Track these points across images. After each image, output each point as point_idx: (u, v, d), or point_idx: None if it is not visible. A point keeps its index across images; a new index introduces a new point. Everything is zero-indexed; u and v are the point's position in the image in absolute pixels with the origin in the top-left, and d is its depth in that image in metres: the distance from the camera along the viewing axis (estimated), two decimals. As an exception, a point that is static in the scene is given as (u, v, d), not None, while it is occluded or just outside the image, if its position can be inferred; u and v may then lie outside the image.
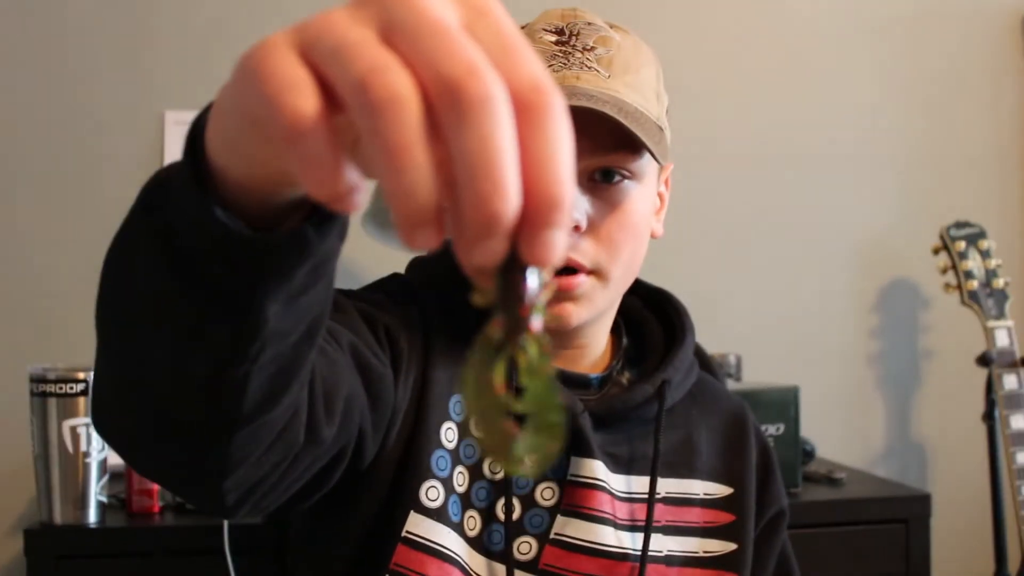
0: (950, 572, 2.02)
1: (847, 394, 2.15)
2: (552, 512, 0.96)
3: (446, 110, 0.38)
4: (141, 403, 0.62)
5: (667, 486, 1.02)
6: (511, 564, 0.94)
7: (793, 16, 2.16)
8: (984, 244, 1.89)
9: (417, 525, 0.91)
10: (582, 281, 0.94)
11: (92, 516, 1.45)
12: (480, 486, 0.95)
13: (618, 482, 0.99)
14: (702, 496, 1.03)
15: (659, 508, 1.00)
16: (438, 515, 0.92)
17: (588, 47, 0.95)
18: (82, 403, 1.42)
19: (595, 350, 1.04)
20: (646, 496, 1.00)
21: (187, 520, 1.50)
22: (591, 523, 0.96)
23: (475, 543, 0.94)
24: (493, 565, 0.94)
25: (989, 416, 1.84)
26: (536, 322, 0.40)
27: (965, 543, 2.08)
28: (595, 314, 0.98)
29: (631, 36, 0.99)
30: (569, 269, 0.94)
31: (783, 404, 1.64)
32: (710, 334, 1.98)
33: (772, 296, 2.13)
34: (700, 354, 1.13)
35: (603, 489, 0.97)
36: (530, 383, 0.41)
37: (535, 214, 0.38)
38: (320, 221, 0.52)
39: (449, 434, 0.94)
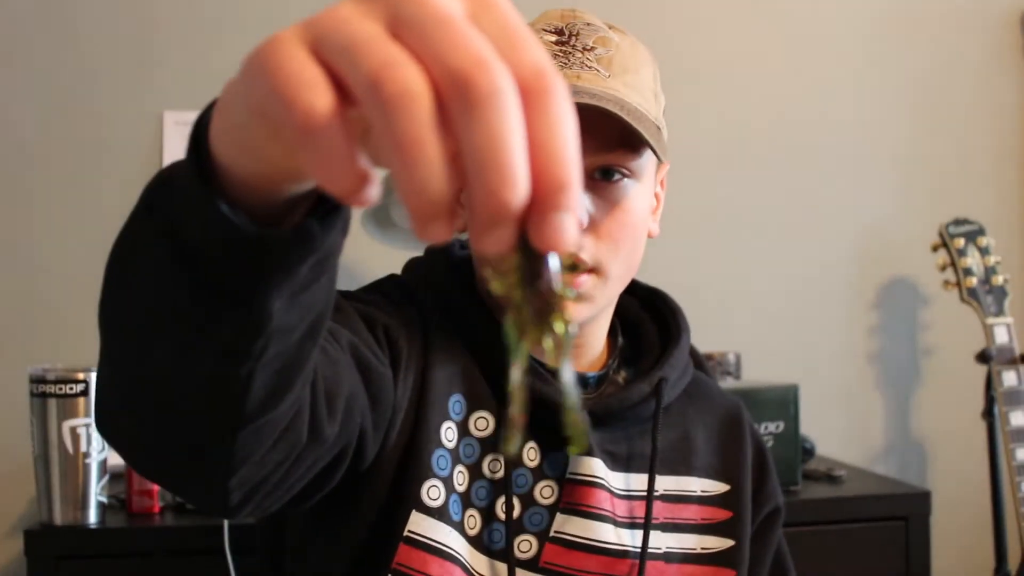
0: (950, 569, 2.02)
1: (847, 392, 2.15)
2: (551, 510, 0.96)
3: (455, 103, 0.38)
4: (145, 403, 0.62)
5: (665, 483, 1.02)
6: (512, 563, 0.94)
7: (792, 14, 2.16)
8: (983, 241, 1.89)
9: (419, 524, 0.91)
10: (583, 281, 0.95)
11: (92, 516, 1.45)
12: (480, 485, 0.95)
13: (617, 480, 1.00)
14: (699, 493, 1.04)
15: (657, 505, 1.01)
16: (439, 514, 0.92)
17: (588, 47, 0.95)
18: (82, 403, 1.42)
19: (592, 350, 1.04)
20: (644, 493, 1.00)
21: (187, 520, 1.50)
22: (591, 521, 0.97)
23: (475, 542, 0.94)
24: (494, 564, 0.94)
25: (989, 413, 1.84)
26: (562, 298, 0.41)
27: (965, 540, 2.09)
28: (595, 312, 0.99)
29: (628, 37, 1.00)
30: (572, 267, 0.94)
31: (783, 402, 1.64)
32: (710, 332, 1.99)
33: (771, 294, 2.13)
34: (694, 354, 1.14)
35: (602, 487, 0.97)
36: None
37: (544, 198, 0.39)
38: (324, 215, 0.52)
39: (449, 433, 0.94)
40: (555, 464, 0.98)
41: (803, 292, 2.14)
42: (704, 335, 1.93)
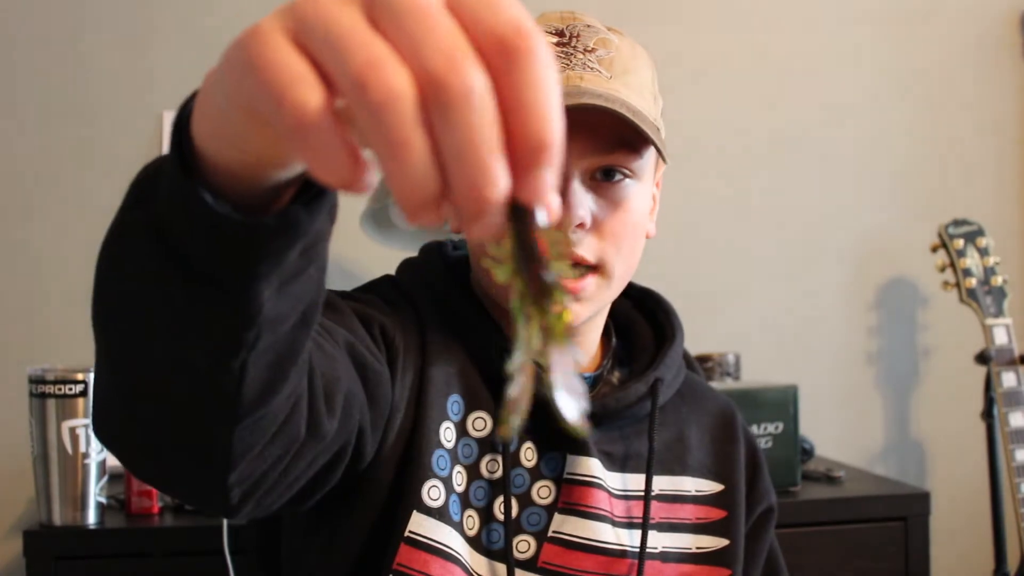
0: (949, 570, 2.02)
1: (846, 392, 2.15)
2: (549, 510, 0.97)
3: (431, 105, 0.39)
4: (142, 401, 0.62)
5: (660, 483, 1.03)
6: (511, 563, 0.94)
7: (791, 14, 2.16)
8: (982, 242, 1.89)
9: (420, 524, 0.91)
10: (588, 283, 0.95)
11: (91, 517, 1.45)
12: (478, 485, 0.96)
13: (614, 480, 1.00)
14: (694, 493, 1.04)
15: (653, 505, 1.01)
16: (440, 514, 0.92)
17: (589, 48, 0.96)
18: (81, 404, 1.42)
19: (586, 350, 1.05)
20: (641, 493, 1.00)
21: (186, 521, 1.50)
22: (589, 520, 0.97)
23: (474, 542, 0.94)
24: (494, 564, 0.95)
25: (988, 414, 1.84)
26: (559, 280, 0.42)
27: (964, 541, 2.09)
28: (595, 311, 0.99)
29: (627, 39, 1.00)
30: (574, 265, 0.95)
31: (782, 403, 1.64)
32: (709, 333, 2.00)
33: (771, 295, 2.13)
34: (685, 355, 1.14)
35: (600, 487, 0.98)
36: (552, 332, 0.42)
37: (527, 156, 0.40)
38: (309, 201, 0.52)
39: (448, 434, 0.94)
40: (552, 464, 0.98)
41: (802, 293, 2.14)
42: (703, 335, 1.93)
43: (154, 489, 1.52)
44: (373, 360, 0.87)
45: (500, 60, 0.39)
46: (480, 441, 0.96)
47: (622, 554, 0.98)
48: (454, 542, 0.92)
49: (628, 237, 0.97)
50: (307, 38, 0.41)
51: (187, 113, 0.51)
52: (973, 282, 1.87)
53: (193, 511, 1.52)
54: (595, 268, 0.96)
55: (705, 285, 2.09)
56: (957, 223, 1.91)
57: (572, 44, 0.96)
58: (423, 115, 0.39)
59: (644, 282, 1.14)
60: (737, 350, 1.93)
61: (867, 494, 1.72)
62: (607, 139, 0.94)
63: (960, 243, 1.89)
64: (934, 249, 1.93)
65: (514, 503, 0.96)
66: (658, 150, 0.95)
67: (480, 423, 0.97)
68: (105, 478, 1.47)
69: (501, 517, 0.95)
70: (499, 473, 0.96)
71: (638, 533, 0.99)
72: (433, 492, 0.92)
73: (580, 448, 0.97)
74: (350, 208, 1.71)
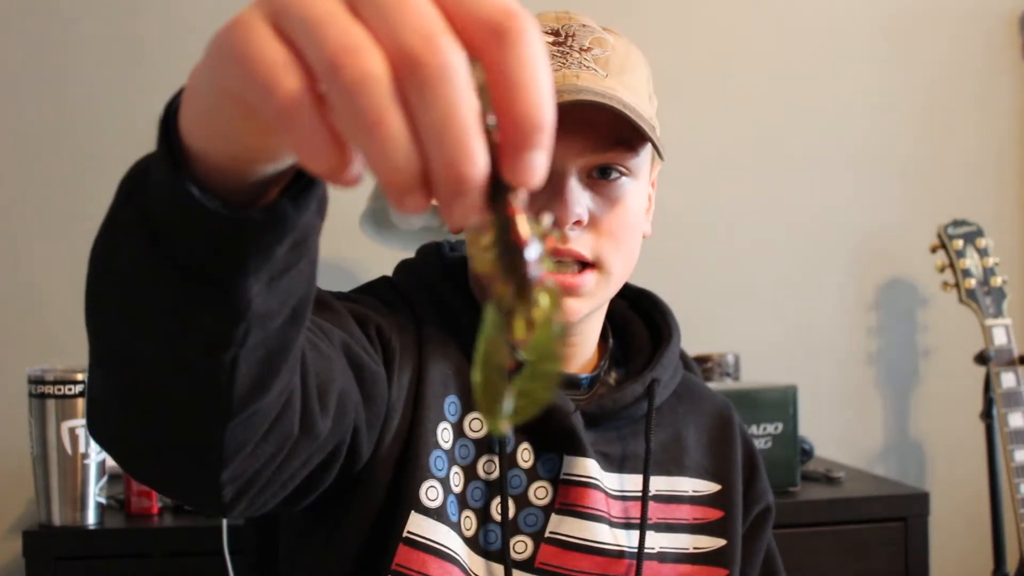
0: (949, 570, 2.02)
1: (845, 393, 2.15)
2: (546, 511, 0.97)
3: (408, 83, 0.39)
4: (135, 399, 0.62)
5: (657, 484, 1.03)
6: (508, 564, 0.94)
7: (792, 15, 2.16)
8: (982, 242, 1.89)
9: (418, 525, 0.91)
10: (587, 279, 0.95)
11: (91, 517, 1.45)
12: (475, 486, 0.96)
13: (611, 480, 1.00)
14: (691, 493, 1.04)
15: (650, 505, 1.01)
16: (438, 515, 0.92)
17: (585, 47, 0.96)
18: (80, 404, 1.42)
19: (584, 351, 1.05)
20: (638, 494, 1.00)
21: (186, 521, 1.50)
22: (586, 521, 0.97)
23: (472, 543, 0.95)
24: (491, 565, 0.95)
25: (987, 414, 1.84)
26: (542, 270, 0.41)
27: (963, 541, 2.09)
28: (594, 308, 0.99)
29: (623, 39, 1.01)
30: (573, 262, 0.95)
31: (781, 403, 1.64)
32: (708, 333, 2.00)
33: (770, 295, 2.13)
34: (682, 356, 1.14)
35: (597, 487, 0.98)
36: (537, 333, 0.42)
37: (518, 138, 0.40)
38: (296, 195, 0.52)
39: (445, 435, 0.94)
40: (549, 465, 0.98)
41: (802, 293, 2.14)
42: (703, 336, 1.93)
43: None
44: (369, 360, 0.87)
45: (491, 43, 0.40)
46: (477, 442, 0.97)
47: (619, 555, 0.98)
48: (452, 542, 0.92)
49: (625, 235, 0.97)
50: (286, 25, 0.41)
51: (174, 109, 0.51)
52: (972, 282, 1.87)
53: (192, 511, 1.52)
54: (593, 265, 0.96)
55: (705, 285, 2.09)
56: (957, 223, 1.91)
57: (568, 43, 0.97)
58: (400, 97, 0.39)
59: (644, 282, 1.14)
60: (736, 350, 1.93)
61: (866, 494, 1.72)
62: (604, 137, 0.94)
63: (960, 244, 1.89)
64: (933, 249, 1.93)
65: (511, 504, 0.96)
66: (655, 146, 0.96)
67: (477, 424, 0.97)
68: (104, 478, 1.47)
69: (498, 518, 0.95)
70: (496, 474, 0.96)
71: (635, 534, 0.99)
72: (431, 493, 0.92)
73: (577, 449, 0.97)
74: (350, 208, 1.71)
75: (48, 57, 1.91)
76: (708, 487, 1.06)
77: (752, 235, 2.13)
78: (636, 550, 0.98)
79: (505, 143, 0.40)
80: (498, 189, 0.41)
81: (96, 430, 0.67)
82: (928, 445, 2.18)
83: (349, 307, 0.93)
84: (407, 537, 0.91)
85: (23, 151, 1.90)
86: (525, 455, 0.97)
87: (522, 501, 0.97)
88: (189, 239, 0.53)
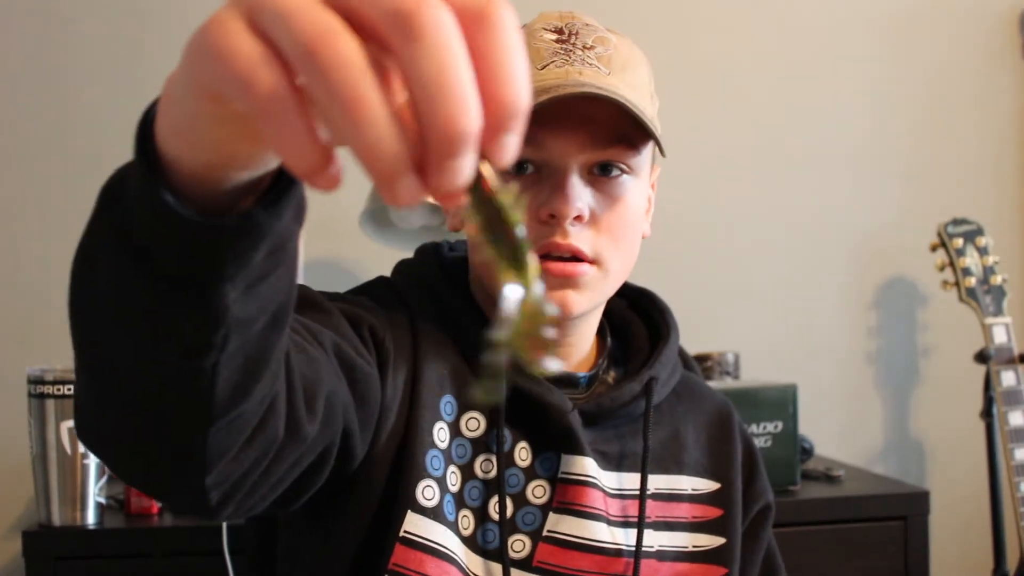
0: (949, 569, 2.02)
1: (845, 391, 2.15)
2: (544, 510, 0.97)
3: (400, 41, 0.39)
4: (118, 404, 0.62)
5: (656, 482, 1.03)
6: (507, 563, 0.94)
7: (792, 15, 2.16)
8: (982, 241, 1.89)
9: (415, 524, 0.91)
10: (586, 270, 0.95)
11: (90, 517, 1.45)
12: (472, 485, 0.96)
13: (609, 479, 1.00)
14: (690, 492, 1.04)
15: (649, 504, 1.01)
16: (434, 514, 0.92)
17: (588, 46, 0.97)
18: (80, 404, 1.42)
19: (582, 349, 1.05)
20: (637, 492, 1.00)
21: (186, 521, 1.50)
22: (584, 520, 0.97)
23: (469, 542, 0.95)
24: (489, 564, 0.95)
25: (987, 413, 1.84)
26: (521, 231, 0.43)
27: (964, 540, 2.09)
28: (594, 304, 0.99)
29: (625, 39, 1.01)
30: (573, 257, 0.95)
31: (781, 402, 1.64)
32: (708, 332, 2.00)
33: (770, 294, 2.13)
34: (682, 354, 1.14)
35: (595, 486, 0.98)
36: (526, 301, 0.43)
37: (497, 121, 0.40)
38: (271, 202, 0.52)
39: (441, 434, 0.94)
40: (547, 464, 0.98)
41: (802, 292, 2.14)
42: (703, 335, 1.93)
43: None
44: (361, 361, 0.87)
45: (469, 27, 0.40)
46: (474, 441, 0.97)
47: (618, 553, 0.98)
48: (449, 542, 0.93)
49: (625, 233, 0.98)
50: (261, 21, 0.41)
51: (150, 118, 0.51)
52: (972, 281, 1.87)
53: (191, 512, 1.52)
54: (592, 262, 0.96)
55: (705, 284, 2.09)
56: (956, 222, 1.91)
57: (571, 41, 0.97)
58: (379, 79, 0.39)
59: (644, 282, 1.14)
60: (737, 349, 1.93)
61: (866, 493, 1.72)
62: (606, 134, 0.95)
63: (959, 242, 1.89)
64: (933, 248, 1.93)
65: (509, 503, 0.96)
66: (657, 143, 0.96)
67: (474, 423, 0.97)
68: (104, 478, 1.47)
69: (496, 517, 0.95)
70: (493, 473, 0.96)
71: (634, 532, 0.99)
72: (427, 492, 0.92)
73: (575, 448, 0.97)
74: (350, 208, 1.71)
75: (48, 57, 1.91)
76: (707, 485, 1.06)
77: (752, 234, 2.13)
78: (634, 548, 0.98)
79: (485, 125, 0.41)
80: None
81: (83, 434, 0.67)
82: (928, 444, 2.18)
83: (342, 308, 0.93)
84: (404, 537, 0.91)
85: (23, 151, 1.90)
86: (523, 454, 0.97)
87: (520, 500, 0.97)
88: (165, 247, 0.53)
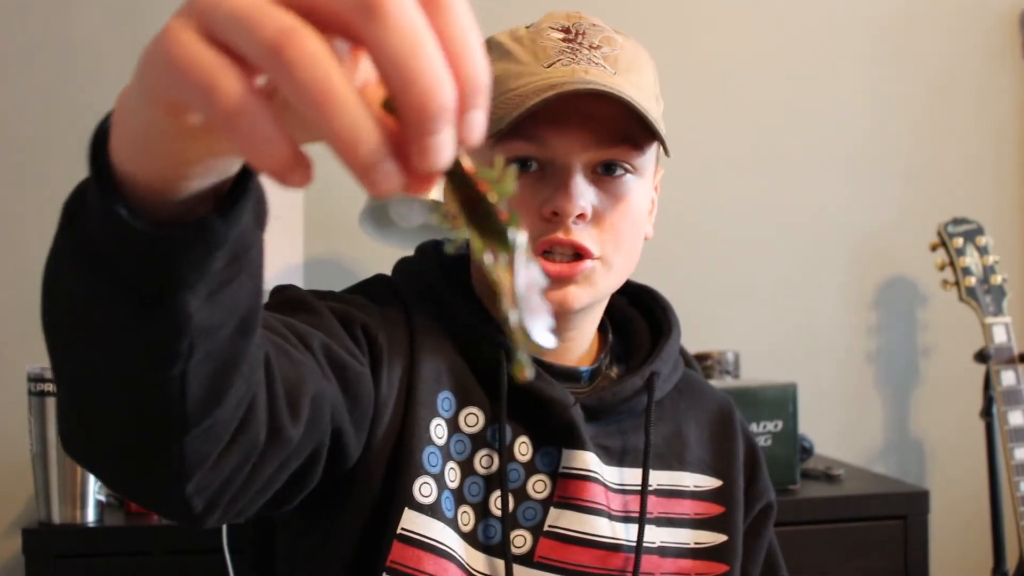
0: (948, 568, 2.02)
1: (845, 391, 2.15)
2: (545, 505, 0.97)
3: (366, 25, 0.39)
4: (93, 414, 0.62)
5: (658, 478, 1.03)
6: (509, 558, 0.94)
7: (792, 15, 2.16)
8: (982, 240, 1.89)
9: (412, 521, 0.91)
10: (587, 265, 0.96)
11: (90, 515, 1.45)
12: (472, 481, 0.96)
13: (611, 474, 1.00)
14: (692, 488, 1.04)
15: (651, 500, 1.01)
16: (432, 511, 0.92)
17: (594, 45, 0.98)
18: (80, 402, 1.42)
19: (583, 344, 1.05)
20: (639, 488, 1.00)
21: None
22: (585, 514, 0.97)
23: (470, 538, 0.95)
24: (491, 560, 0.95)
25: (987, 412, 1.84)
26: (505, 208, 0.44)
27: (963, 539, 2.09)
28: (594, 299, 0.99)
29: (631, 40, 1.02)
30: (576, 255, 0.95)
31: (781, 401, 1.64)
32: (709, 331, 2.00)
33: (770, 293, 2.13)
34: (683, 353, 1.15)
35: (596, 480, 0.98)
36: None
37: (462, 98, 0.41)
38: (226, 210, 0.52)
39: (439, 431, 0.95)
40: (548, 459, 0.98)
41: (802, 291, 2.14)
42: (703, 334, 1.93)
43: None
44: (353, 361, 0.87)
45: (424, 8, 0.40)
46: (473, 437, 0.97)
47: (618, 548, 0.98)
48: (448, 538, 0.93)
49: (628, 232, 0.98)
50: (215, 28, 0.41)
51: (104, 131, 0.51)
52: (972, 281, 1.87)
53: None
54: (594, 257, 0.96)
55: (705, 284, 2.09)
56: (956, 222, 1.91)
57: (578, 40, 0.98)
58: (346, 70, 0.40)
59: (644, 280, 1.14)
60: (736, 348, 1.93)
61: (866, 492, 1.72)
62: (610, 133, 0.95)
63: (959, 242, 1.89)
64: (933, 248, 1.93)
65: (510, 498, 0.96)
66: (662, 143, 0.97)
67: (472, 419, 0.97)
68: (104, 476, 1.47)
69: (497, 512, 0.95)
70: (494, 468, 0.96)
71: (635, 527, 0.99)
72: (424, 489, 0.92)
73: (576, 442, 0.98)
74: (350, 207, 1.71)
75: (49, 57, 1.91)
76: (709, 482, 1.06)
77: (752, 233, 2.13)
78: (635, 544, 0.98)
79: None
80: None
81: (67, 446, 0.67)
82: (928, 443, 2.18)
83: (333, 307, 0.93)
84: (401, 534, 0.91)
85: (24, 151, 1.90)
86: (523, 448, 0.97)
87: (520, 495, 0.97)
88: (123, 258, 0.53)
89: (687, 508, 1.04)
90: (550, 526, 0.97)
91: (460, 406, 0.97)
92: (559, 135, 0.94)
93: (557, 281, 0.95)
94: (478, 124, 0.42)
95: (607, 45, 0.98)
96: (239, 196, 0.52)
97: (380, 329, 0.95)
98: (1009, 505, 1.82)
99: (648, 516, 1.00)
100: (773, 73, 2.14)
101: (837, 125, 2.16)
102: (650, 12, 2.09)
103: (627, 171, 0.97)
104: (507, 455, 0.96)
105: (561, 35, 0.98)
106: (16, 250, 1.90)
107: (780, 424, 1.63)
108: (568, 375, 1.02)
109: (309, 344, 0.82)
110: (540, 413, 0.98)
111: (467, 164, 0.43)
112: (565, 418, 0.97)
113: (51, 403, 1.42)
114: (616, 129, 0.95)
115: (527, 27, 1.01)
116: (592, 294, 0.98)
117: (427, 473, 0.92)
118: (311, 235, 1.92)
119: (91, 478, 1.44)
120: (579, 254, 0.95)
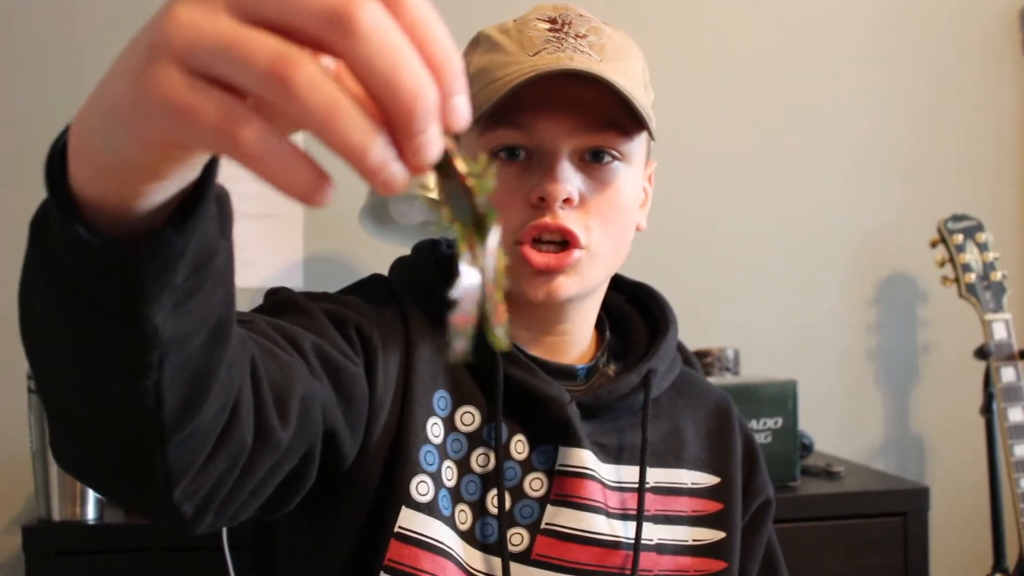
0: (948, 565, 2.02)
1: (845, 388, 2.15)
2: (542, 503, 0.97)
3: (343, 42, 0.40)
4: (73, 425, 0.62)
5: (656, 476, 1.03)
6: (506, 556, 0.94)
7: (792, 14, 2.16)
8: (982, 237, 1.89)
9: (409, 520, 0.91)
10: (574, 256, 0.95)
11: (90, 512, 1.45)
12: (469, 480, 0.96)
13: (608, 471, 1.00)
14: (690, 485, 1.04)
15: (649, 497, 1.01)
16: (429, 509, 0.92)
17: (581, 34, 0.97)
18: (80, 400, 1.42)
19: (579, 340, 1.05)
20: (636, 485, 1.00)
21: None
22: (583, 512, 0.97)
23: (467, 536, 0.95)
24: (488, 558, 0.95)
25: (987, 409, 1.84)
26: (486, 197, 0.46)
27: (963, 536, 2.09)
28: (583, 290, 0.99)
29: (620, 31, 1.02)
30: (564, 242, 0.95)
31: (781, 398, 1.64)
32: (709, 328, 2.00)
33: (770, 290, 2.13)
34: (681, 350, 1.15)
35: (593, 478, 0.98)
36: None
37: (442, 88, 0.42)
38: (181, 221, 0.51)
39: (435, 429, 0.95)
40: (544, 457, 0.98)
41: (802, 288, 2.14)
42: (703, 331, 1.93)
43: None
44: (346, 362, 0.87)
45: (388, 9, 0.41)
46: (469, 435, 0.97)
47: (616, 545, 0.98)
48: (446, 537, 0.93)
49: (615, 218, 0.98)
50: (199, 62, 0.41)
51: (60, 146, 0.51)
52: (972, 277, 1.87)
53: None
54: (581, 247, 0.96)
55: (705, 281, 2.09)
56: (956, 218, 1.91)
57: (564, 30, 0.98)
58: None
59: (644, 278, 1.14)
60: (737, 345, 1.93)
61: (866, 489, 1.72)
62: (597, 119, 0.95)
63: (959, 238, 1.89)
64: (933, 244, 1.93)
65: (507, 496, 0.96)
66: (648, 129, 0.96)
67: (468, 418, 0.97)
68: (104, 474, 1.47)
69: (494, 511, 0.95)
70: (490, 466, 0.96)
71: (633, 525, 0.99)
72: (421, 487, 0.92)
73: (572, 440, 0.97)
74: (350, 205, 1.71)
75: (50, 57, 1.91)
76: (707, 480, 1.06)
77: (752, 232, 2.13)
78: (633, 541, 0.98)
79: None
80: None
81: (57, 458, 0.67)
82: (928, 440, 2.18)
83: (325, 308, 0.93)
84: (398, 532, 0.91)
85: (24, 151, 1.90)
86: (519, 447, 0.97)
87: (517, 493, 0.97)
88: (84, 274, 0.53)
89: (685, 505, 1.04)
90: (547, 524, 0.97)
91: (456, 405, 0.97)
92: (545, 121, 0.94)
93: (546, 273, 0.95)
94: (462, 109, 0.43)
95: (594, 34, 0.98)
96: (196, 204, 0.52)
97: (374, 329, 0.94)
98: (1009, 502, 1.82)
99: (646, 513, 1.00)
100: (773, 73, 2.14)
101: (837, 124, 2.16)
102: (650, 12, 2.09)
103: (615, 158, 0.97)
104: (503, 453, 0.96)
105: (547, 25, 0.98)
106: (16, 250, 1.89)
107: (780, 421, 1.63)
108: (564, 373, 1.02)
109: (300, 346, 0.82)
110: (536, 411, 0.98)
111: (456, 158, 0.45)
112: (561, 416, 0.97)
113: (51, 401, 1.41)
114: (602, 115, 0.95)
115: (515, 20, 1.01)
116: (580, 284, 0.98)
117: (424, 472, 0.93)
118: (311, 233, 1.92)
119: (91, 475, 1.44)
120: (566, 241, 0.95)
